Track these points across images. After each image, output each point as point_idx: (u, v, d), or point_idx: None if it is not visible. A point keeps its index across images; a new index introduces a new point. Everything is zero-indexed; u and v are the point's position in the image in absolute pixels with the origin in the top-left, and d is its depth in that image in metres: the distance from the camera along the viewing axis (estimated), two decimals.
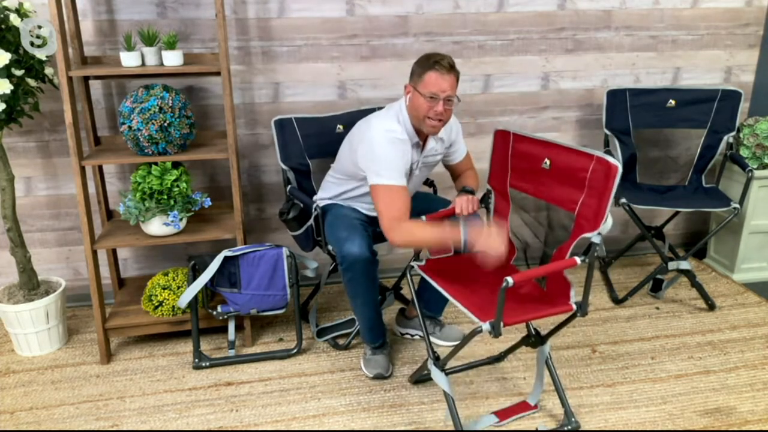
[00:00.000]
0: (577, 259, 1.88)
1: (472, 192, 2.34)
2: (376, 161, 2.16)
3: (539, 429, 2.15)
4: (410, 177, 2.33)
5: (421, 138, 2.29)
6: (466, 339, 2.00)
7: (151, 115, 2.33)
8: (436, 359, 2.17)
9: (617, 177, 1.81)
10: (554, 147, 2.02)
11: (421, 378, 2.39)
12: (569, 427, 2.12)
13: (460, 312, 1.94)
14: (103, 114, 2.76)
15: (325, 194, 2.51)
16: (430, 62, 2.13)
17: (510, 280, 1.75)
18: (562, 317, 2.02)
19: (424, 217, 2.23)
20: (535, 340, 2.18)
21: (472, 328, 2.73)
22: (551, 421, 2.20)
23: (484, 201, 2.30)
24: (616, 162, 1.82)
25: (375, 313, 2.41)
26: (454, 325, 2.77)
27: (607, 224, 1.87)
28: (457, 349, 2.06)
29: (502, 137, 2.20)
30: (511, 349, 2.43)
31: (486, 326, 1.83)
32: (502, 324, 1.82)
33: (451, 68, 2.14)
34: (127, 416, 2.25)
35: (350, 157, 2.32)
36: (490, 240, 2.03)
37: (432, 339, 2.64)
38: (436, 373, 2.13)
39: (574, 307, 1.94)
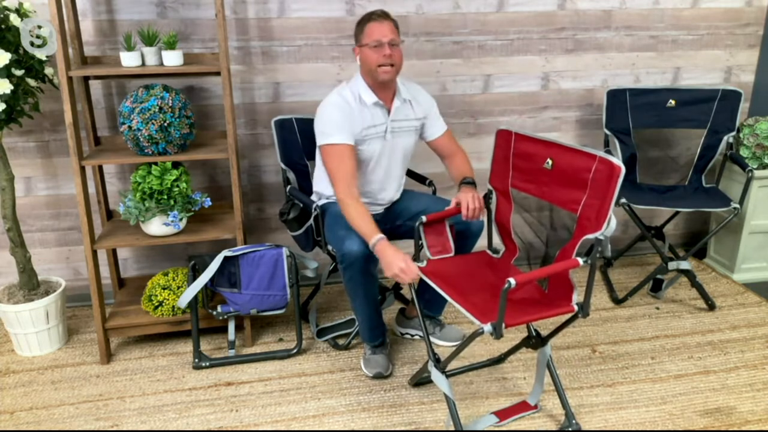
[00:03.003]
0: (580, 260, 1.87)
1: (472, 183, 2.34)
2: (323, 123, 2.28)
3: None
4: (384, 141, 2.37)
5: (383, 97, 2.34)
6: (466, 341, 1.99)
7: (151, 115, 2.33)
8: (437, 361, 2.16)
9: (620, 177, 1.80)
10: (557, 147, 2.01)
11: (421, 380, 2.39)
12: (570, 429, 2.12)
13: (461, 312, 1.94)
14: (103, 114, 2.76)
15: (323, 194, 2.51)
16: (365, 17, 2.28)
17: (512, 281, 1.74)
18: (563, 318, 2.02)
19: (424, 218, 2.23)
20: (535, 341, 2.18)
21: (472, 328, 2.75)
22: (551, 421, 2.20)
23: (486, 201, 2.30)
24: (619, 162, 1.81)
25: (374, 312, 2.41)
26: (454, 325, 2.77)
27: (611, 226, 1.86)
28: (457, 351, 2.06)
29: (504, 137, 2.20)
30: (512, 351, 2.43)
31: (487, 328, 1.83)
32: (503, 325, 1.82)
33: (386, 15, 2.28)
34: (127, 416, 2.25)
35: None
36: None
37: (432, 339, 2.64)
38: (436, 376, 2.13)
39: (576, 308, 1.94)
